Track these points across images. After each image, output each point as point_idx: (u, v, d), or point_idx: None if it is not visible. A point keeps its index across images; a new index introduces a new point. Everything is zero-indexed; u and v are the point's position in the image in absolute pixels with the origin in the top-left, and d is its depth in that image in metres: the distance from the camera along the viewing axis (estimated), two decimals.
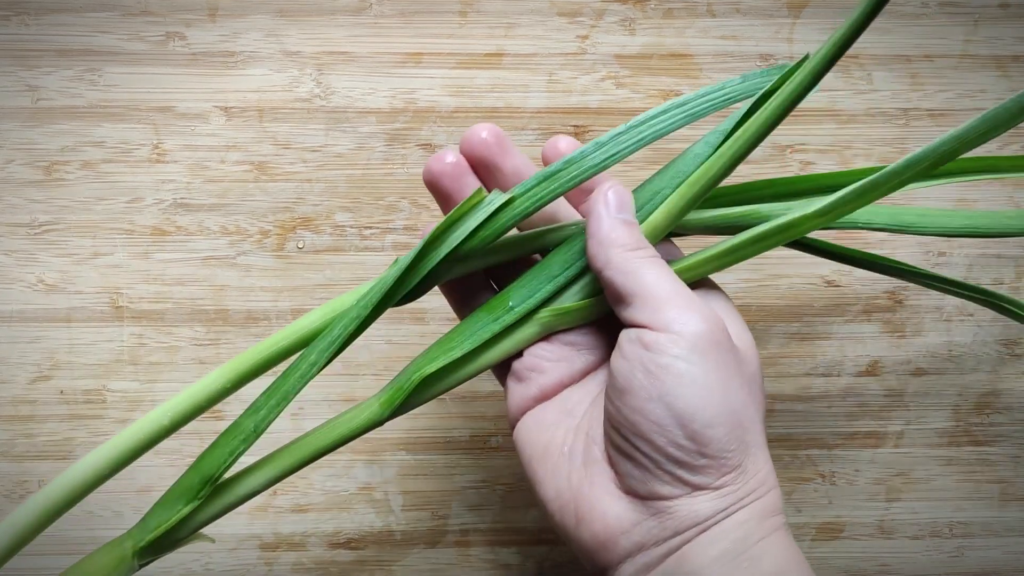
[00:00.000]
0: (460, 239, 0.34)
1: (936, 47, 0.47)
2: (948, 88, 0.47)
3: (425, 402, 0.35)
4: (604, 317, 0.35)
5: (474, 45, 0.46)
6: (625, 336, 0.31)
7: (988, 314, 0.46)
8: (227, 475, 0.35)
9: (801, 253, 0.46)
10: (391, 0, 0.46)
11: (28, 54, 0.45)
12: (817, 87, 0.31)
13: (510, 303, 0.35)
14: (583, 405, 0.34)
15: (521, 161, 0.36)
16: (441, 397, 0.45)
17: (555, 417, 0.34)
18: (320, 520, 0.45)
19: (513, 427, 0.35)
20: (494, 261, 0.36)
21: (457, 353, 0.34)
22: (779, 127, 0.47)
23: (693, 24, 0.46)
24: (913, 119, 0.46)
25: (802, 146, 0.46)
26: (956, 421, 0.47)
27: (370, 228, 0.46)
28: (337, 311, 0.35)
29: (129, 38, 0.45)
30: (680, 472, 0.30)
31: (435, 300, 0.44)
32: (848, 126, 0.46)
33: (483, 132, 0.35)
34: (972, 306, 0.46)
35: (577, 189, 0.35)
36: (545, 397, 0.35)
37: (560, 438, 0.33)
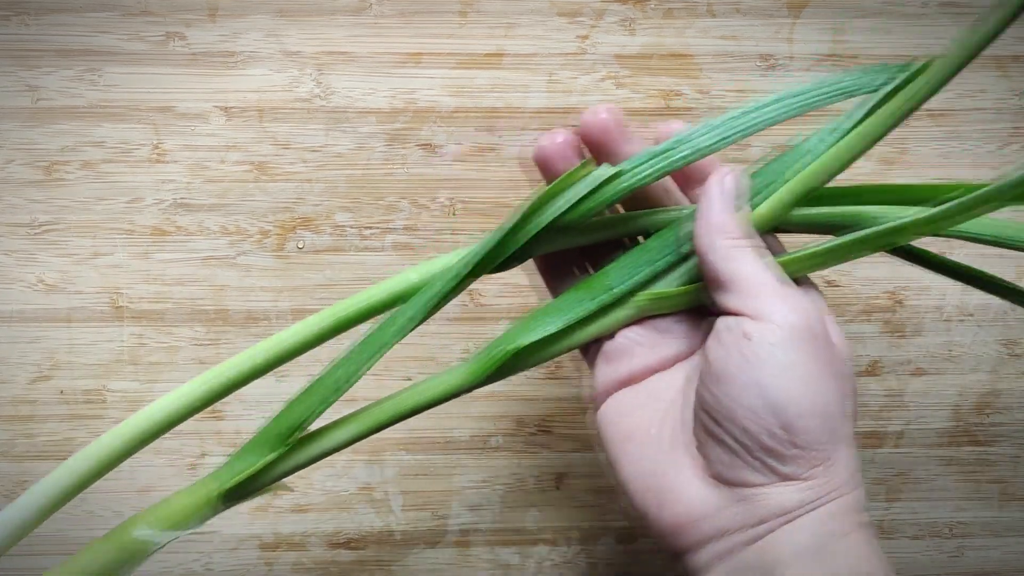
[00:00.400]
0: (564, 208, 0.34)
1: (936, 47, 0.47)
2: (948, 88, 0.46)
3: (513, 374, 0.35)
4: (697, 307, 0.34)
5: (474, 45, 0.46)
6: (723, 323, 0.31)
7: (988, 314, 0.46)
8: (311, 428, 0.35)
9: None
10: (391, 0, 0.46)
11: (28, 54, 0.45)
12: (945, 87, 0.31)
13: (608, 283, 0.35)
14: (671, 391, 0.34)
15: (638, 148, 0.35)
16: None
17: (641, 400, 0.34)
18: (320, 520, 0.45)
19: (596, 407, 0.35)
20: (592, 239, 0.36)
21: (552, 328, 0.34)
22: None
23: (693, 24, 0.46)
24: (913, 119, 0.46)
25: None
26: (956, 421, 0.47)
27: (370, 228, 0.46)
28: (433, 272, 0.35)
29: (129, 38, 0.45)
30: (770, 461, 0.30)
31: None
32: None
33: (603, 112, 0.35)
34: (972, 306, 0.46)
35: (683, 175, 0.35)
36: (632, 381, 0.35)
37: (646, 421, 0.33)
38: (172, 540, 0.34)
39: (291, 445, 0.34)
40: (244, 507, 0.44)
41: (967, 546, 0.47)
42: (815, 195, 0.34)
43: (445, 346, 0.46)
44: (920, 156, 0.46)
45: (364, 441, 0.45)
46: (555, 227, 0.34)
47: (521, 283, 0.45)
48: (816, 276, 0.46)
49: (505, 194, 0.46)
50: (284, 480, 0.35)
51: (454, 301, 0.45)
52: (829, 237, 0.34)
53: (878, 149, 0.46)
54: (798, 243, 0.35)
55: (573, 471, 0.45)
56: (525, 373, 0.45)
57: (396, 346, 0.45)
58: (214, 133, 0.45)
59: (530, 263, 0.37)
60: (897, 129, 0.46)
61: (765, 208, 0.34)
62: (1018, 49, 0.47)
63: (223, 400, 0.44)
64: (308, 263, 0.45)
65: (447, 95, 0.46)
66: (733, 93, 0.46)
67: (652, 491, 0.32)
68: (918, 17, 0.47)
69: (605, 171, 0.34)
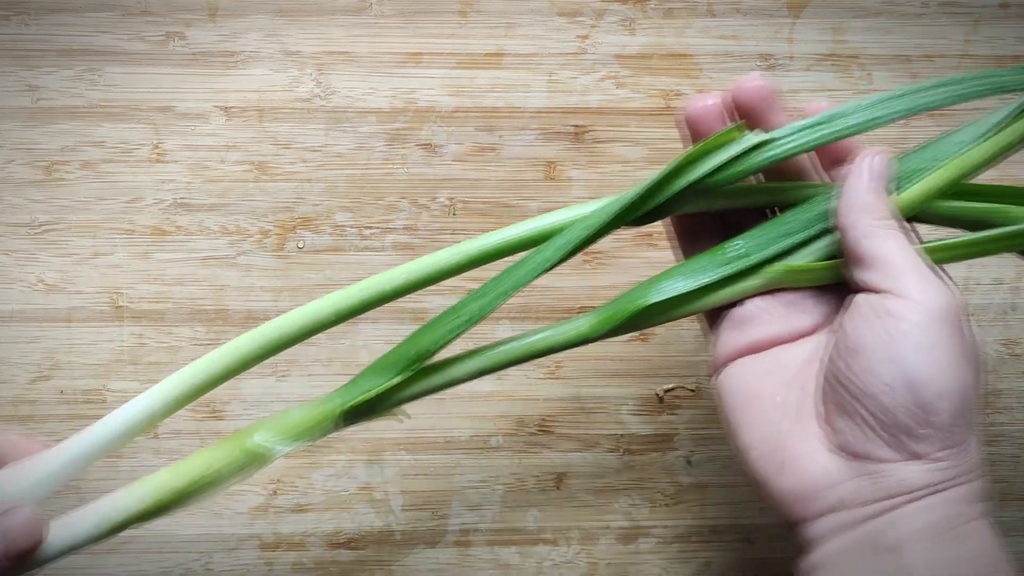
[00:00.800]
0: (711, 168, 0.34)
1: (936, 47, 0.47)
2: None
3: (638, 329, 0.35)
4: (826, 285, 0.35)
5: (474, 45, 0.46)
6: (863, 299, 0.32)
7: (988, 314, 0.46)
8: (437, 358, 0.35)
9: None
10: (391, 0, 0.46)
11: (28, 54, 0.45)
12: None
13: (743, 251, 0.35)
14: (796, 363, 0.34)
15: (785, 121, 0.35)
16: (440, 396, 0.45)
17: (764, 368, 0.34)
18: (320, 520, 0.45)
19: (716, 371, 0.35)
20: (732, 205, 0.36)
21: (682, 288, 0.34)
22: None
23: (693, 24, 0.46)
24: (913, 119, 0.46)
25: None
26: None
27: (370, 228, 0.46)
28: (572, 217, 0.35)
29: (129, 38, 0.45)
30: (902, 437, 0.30)
31: (436, 300, 0.44)
32: None
33: (758, 79, 0.35)
34: (972, 306, 0.46)
35: (826, 155, 0.35)
36: (756, 349, 0.35)
37: (769, 389, 0.34)
38: (289, 451, 0.34)
39: (416, 371, 0.34)
40: (244, 507, 0.44)
41: None
42: (957, 190, 0.34)
43: None
44: None
45: (364, 441, 0.45)
46: (698, 188, 0.35)
47: None
48: None
49: (505, 194, 0.46)
50: (403, 407, 0.35)
51: (454, 301, 0.45)
52: (964, 232, 0.34)
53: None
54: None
55: (573, 471, 0.45)
56: (525, 373, 0.45)
57: (398, 343, 0.45)
58: (214, 133, 0.45)
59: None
60: (897, 129, 0.46)
61: (910, 195, 0.34)
62: (1018, 49, 0.47)
63: (223, 400, 0.44)
64: (308, 263, 0.45)
65: (447, 95, 0.46)
66: None
67: (773, 457, 0.32)
68: (918, 17, 0.47)
69: (757, 136, 0.34)
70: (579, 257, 0.45)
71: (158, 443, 0.44)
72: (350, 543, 0.45)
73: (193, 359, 0.45)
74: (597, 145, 0.46)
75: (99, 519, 0.32)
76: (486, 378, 0.42)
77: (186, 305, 0.45)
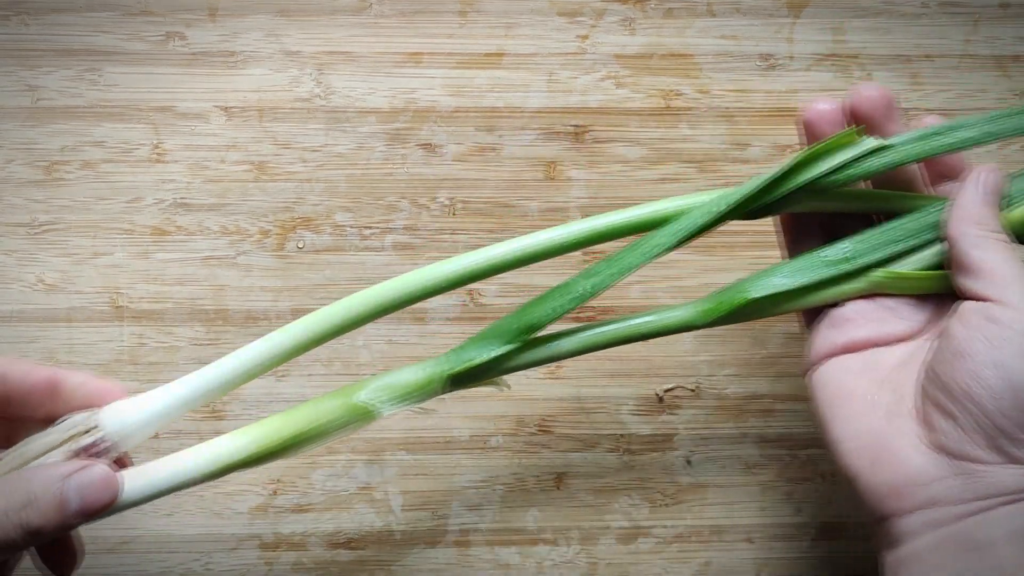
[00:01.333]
0: (827, 170, 0.35)
1: (936, 47, 0.47)
2: (948, 88, 0.47)
3: (739, 321, 0.36)
4: (926, 295, 0.36)
5: (474, 45, 0.46)
6: (969, 306, 0.33)
7: None
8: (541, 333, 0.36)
9: None
10: (391, 0, 0.46)
11: (28, 54, 0.45)
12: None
13: (849, 254, 0.36)
14: (891, 364, 0.35)
15: (901, 130, 0.36)
16: (440, 397, 0.45)
17: (860, 367, 0.35)
18: (320, 520, 0.45)
19: (810, 367, 0.37)
20: (842, 207, 0.37)
21: (786, 285, 0.36)
22: (779, 127, 0.47)
23: (693, 24, 0.46)
24: (913, 119, 0.46)
25: (802, 146, 0.46)
26: None
27: (370, 228, 0.46)
28: (688, 205, 0.36)
29: (129, 38, 0.45)
30: (1001, 441, 0.31)
31: (436, 300, 0.44)
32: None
33: (877, 89, 0.36)
34: None
35: (934, 169, 0.37)
36: (851, 349, 0.36)
37: (864, 387, 0.35)
38: (392, 412, 0.35)
39: (523, 343, 0.35)
40: (244, 507, 0.44)
41: None
42: None
43: (446, 345, 0.45)
44: None
45: (364, 441, 0.45)
46: (813, 187, 0.35)
47: (520, 283, 0.45)
48: None
49: (505, 194, 0.46)
50: (504, 378, 0.36)
51: (454, 301, 0.45)
52: None
53: None
54: None
55: (573, 471, 0.45)
56: (525, 373, 0.45)
57: (398, 343, 0.45)
58: (214, 133, 0.45)
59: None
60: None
61: (1019, 214, 0.35)
62: (1018, 49, 0.47)
63: (223, 400, 0.45)
64: (308, 263, 0.45)
65: (447, 95, 0.46)
66: (733, 93, 0.46)
67: (867, 452, 0.33)
68: (918, 17, 0.47)
69: (874, 141, 0.35)
70: (580, 257, 0.45)
71: (157, 443, 0.44)
72: (350, 543, 0.45)
73: (193, 359, 0.45)
74: (597, 145, 0.46)
75: (205, 462, 0.33)
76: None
77: (186, 305, 0.45)
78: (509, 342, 0.35)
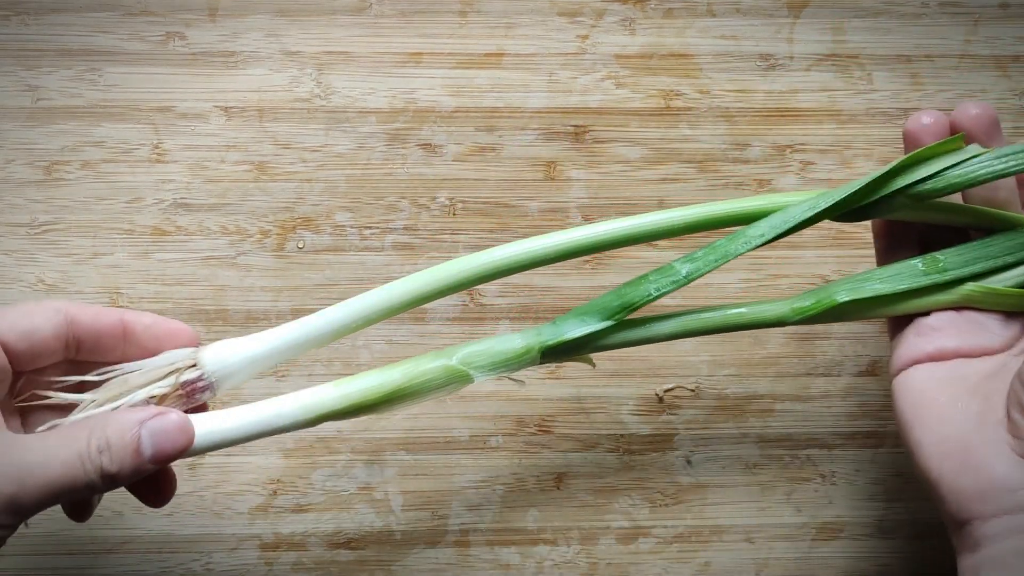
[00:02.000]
0: (927, 175, 0.35)
1: (936, 47, 0.47)
2: (948, 88, 0.47)
3: (828, 322, 0.37)
4: (1017, 312, 0.36)
5: (474, 45, 0.46)
6: None
7: None
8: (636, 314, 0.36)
9: (802, 253, 0.46)
10: (391, 0, 0.46)
11: (28, 54, 0.45)
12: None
13: (943, 265, 0.36)
14: (979, 374, 0.35)
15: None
16: (441, 398, 0.45)
17: (946, 376, 0.36)
18: (320, 520, 0.45)
19: (896, 373, 0.37)
20: (937, 219, 0.37)
21: (879, 291, 0.36)
22: (779, 127, 0.47)
23: (693, 24, 0.46)
24: (911, 115, 0.46)
25: (802, 146, 0.46)
26: None
27: (370, 228, 0.46)
28: (786, 201, 0.36)
29: (129, 38, 0.45)
30: None
31: (436, 300, 0.44)
32: (848, 126, 0.46)
33: (979, 107, 0.36)
34: None
35: None
36: (937, 358, 0.36)
37: (950, 395, 0.35)
38: (484, 379, 0.36)
39: (619, 321, 0.36)
40: (244, 507, 0.44)
41: None
42: None
43: (445, 345, 0.45)
44: None
45: (364, 441, 0.45)
46: (911, 194, 0.36)
47: (520, 283, 0.45)
48: (816, 276, 0.46)
49: (505, 194, 0.46)
50: (592, 356, 0.37)
51: (454, 301, 0.45)
52: None
53: (878, 149, 0.47)
54: None
55: (573, 471, 0.45)
56: (525, 373, 0.45)
57: (398, 343, 0.45)
58: (214, 133, 0.45)
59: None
60: (897, 129, 0.46)
61: None
62: (1018, 49, 0.47)
63: (223, 401, 0.44)
64: (308, 263, 0.45)
65: (447, 95, 0.46)
66: (733, 93, 0.46)
67: (952, 456, 0.34)
68: (918, 17, 0.47)
69: (976, 149, 0.35)
70: (579, 257, 0.45)
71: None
72: (350, 543, 0.45)
73: None
74: (597, 145, 0.46)
75: (304, 408, 0.34)
76: (487, 378, 0.42)
77: (186, 305, 0.45)
78: (606, 319, 0.36)
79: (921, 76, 0.46)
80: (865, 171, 0.46)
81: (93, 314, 0.34)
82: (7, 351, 0.32)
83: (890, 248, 0.39)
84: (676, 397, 0.46)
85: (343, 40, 0.46)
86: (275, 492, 0.45)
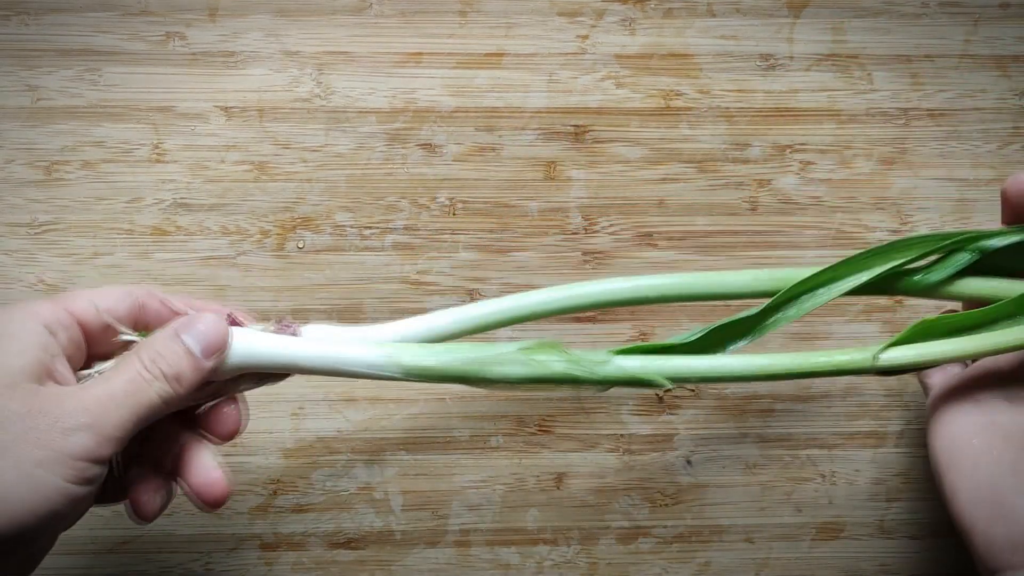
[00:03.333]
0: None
1: (936, 47, 0.47)
2: (948, 88, 0.47)
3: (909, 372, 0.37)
4: None
5: (474, 45, 0.46)
6: None
7: None
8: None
9: (801, 254, 0.46)
10: (391, 0, 0.46)
11: (28, 54, 0.45)
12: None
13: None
14: (1014, 424, 0.36)
15: None
16: (440, 396, 0.45)
17: (981, 424, 0.36)
18: (320, 520, 0.45)
19: (930, 417, 0.38)
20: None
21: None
22: (779, 127, 0.47)
23: (693, 24, 0.46)
24: (913, 119, 0.46)
25: (802, 146, 0.46)
26: None
27: (370, 228, 0.46)
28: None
29: (129, 38, 0.45)
30: None
31: (436, 302, 0.44)
32: (848, 126, 0.46)
33: None
34: None
35: None
36: (976, 404, 0.37)
37: (985, 443, 0.35)
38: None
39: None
40: (244, 507, 0.44)
41: None
42: None
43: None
44: (920, 156, 0.46)
45: (364, 441, 0.45)
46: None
47: (520, 283, 0.45)
48: None
49: (505, 194, 0.46)
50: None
51: (454, 302, 0.45)
52: None
53: (878, 149, 0.47)
54: None
55: (573, 471, 0.45)
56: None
57: None
58: (214, 133, 0.45)
59: None
60: (897, 129, 0.46)
61: None
62: (1018, 49, 0.47)
63: None
64: (308, 263, 0.45)
65: (447, 95, 0.46)
66: (733, 93, 0.46)
67: (985, 504, 0.34)
68: (918, 17, 0.47)
69: None
70: (579, 257, 0.45)
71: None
72: (350, 543, 0.45)
73: None
74: (597, 145, 0.46)
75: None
76: None
77: None
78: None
79: (921, 76, 0.46)
80: (865, 171, 0.46)
81: (160, 301, 0.35)
82: (84, 330, 0.33)
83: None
84: (676, 397, 0.46)
85: (343, 40, 0.46)
86: (275, 492, 0.45)
